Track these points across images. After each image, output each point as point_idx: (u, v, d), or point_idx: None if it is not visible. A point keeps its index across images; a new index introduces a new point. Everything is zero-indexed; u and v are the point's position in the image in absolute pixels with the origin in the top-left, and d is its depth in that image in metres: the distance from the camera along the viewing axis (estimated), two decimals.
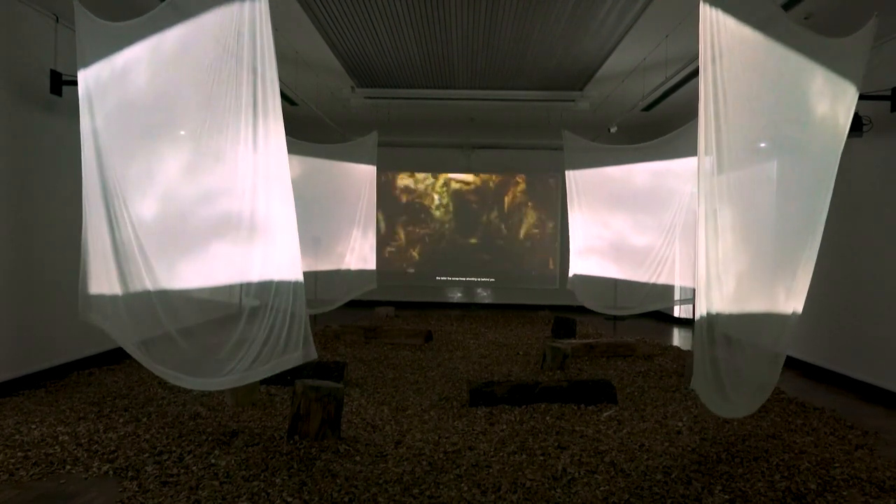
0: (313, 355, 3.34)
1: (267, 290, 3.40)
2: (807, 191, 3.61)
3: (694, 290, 6.66)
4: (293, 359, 3.32)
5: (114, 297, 3.84)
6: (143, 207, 3.77)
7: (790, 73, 3.48)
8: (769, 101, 3.48)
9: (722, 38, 3.17)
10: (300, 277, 3.36)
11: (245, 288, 3.48)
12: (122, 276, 3.79)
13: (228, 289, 3.61)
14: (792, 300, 3.56)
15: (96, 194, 3.90)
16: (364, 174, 8.41)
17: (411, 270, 11.94)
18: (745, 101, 3.28)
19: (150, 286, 3.69)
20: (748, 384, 3.42)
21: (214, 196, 3.63)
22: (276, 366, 3.31)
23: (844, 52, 3.58)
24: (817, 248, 3.56)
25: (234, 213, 3.50)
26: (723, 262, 3.31)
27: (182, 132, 3.76)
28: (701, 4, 3.18)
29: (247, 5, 3.32)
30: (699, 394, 3.32)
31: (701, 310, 3.28)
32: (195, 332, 3.58)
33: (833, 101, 3.58)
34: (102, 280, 3.92)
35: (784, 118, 3.60)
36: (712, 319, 3.27)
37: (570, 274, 8.36)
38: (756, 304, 3.53)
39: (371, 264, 8.60)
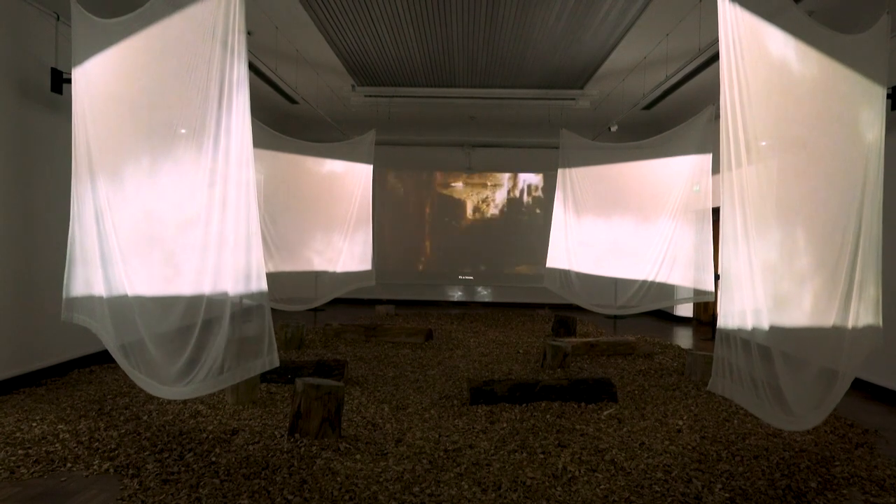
0: (276, 363, 3.29)
1: (226, 299, 3.29)
2: (830, 191, 3.49)
3: (693, 289, 6.68)
4: (256, 366, 3.27)
5: (99, 298, 3.82)
6: (123, 208, 3.75)
7: (808, 69, 3.40)
8: (789, 98, 3.39)
9: (742, 33, 3.12)
10: (263, 287, 3.27)
11: (205, 298, 3.33)
12: (104, 276, 3.77)
13: (191, 296, 3.47)
14: (841, 312, 3.35)
15: (84, 193, 3.90)
16: (362, 172, 8.41)
17: (411, 268, 11.94)
18: (765, 97, 3.20)
19: (125, 290, 3.64)
20: (792, 392, 3.19)
21: (181, 200, 3.55)
22: (237, 374, 3.25)
23: (860, 49, 3.53)
24: (870, 256, 3.37)
25: (194, 218, 3.42)
26: (753, 264, 3.16)
27: (157, 130, 3.71)
28: (720, 1, 3.16)
29: None
30: (725, 392, 3.22)
31: (724, 312, 3.18)
32: (161, 339, 3.51)
33: (852, 99, 3.51)
34: (90, 278, 3.91)
35: (801, 114, 3.49)
36: (737, 322, 3.15)
37: (546, 267, 8.33)
38: (783, 309, 3.34)
39: (368, 262, 8.61)
